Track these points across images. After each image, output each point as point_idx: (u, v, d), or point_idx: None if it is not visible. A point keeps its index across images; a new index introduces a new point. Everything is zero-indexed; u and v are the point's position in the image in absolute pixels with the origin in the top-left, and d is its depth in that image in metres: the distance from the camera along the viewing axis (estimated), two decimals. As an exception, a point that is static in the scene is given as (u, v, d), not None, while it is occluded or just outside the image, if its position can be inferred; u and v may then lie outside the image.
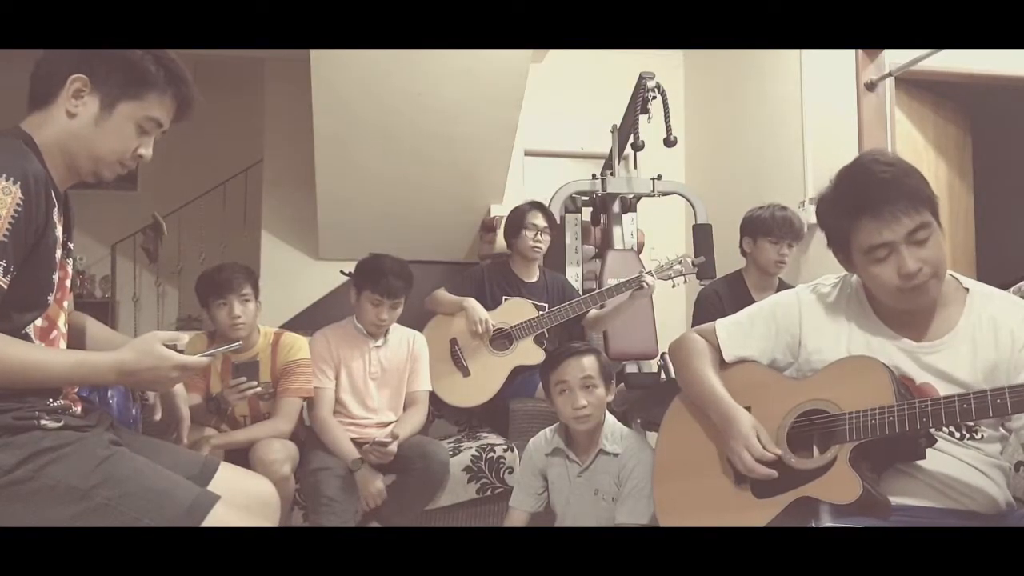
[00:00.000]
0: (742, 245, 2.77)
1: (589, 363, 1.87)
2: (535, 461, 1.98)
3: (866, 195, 1.23)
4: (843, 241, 1.29)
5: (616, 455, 1.85)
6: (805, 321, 1.41)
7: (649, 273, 2.68)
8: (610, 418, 1.92)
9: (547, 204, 3.15)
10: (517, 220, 2.91)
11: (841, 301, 1.39)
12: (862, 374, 1.26)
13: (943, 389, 1.25)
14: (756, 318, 1.48)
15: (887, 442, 1.21)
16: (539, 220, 2.89)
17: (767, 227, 2.65)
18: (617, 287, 2.71)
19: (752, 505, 1.32)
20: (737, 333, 1.49)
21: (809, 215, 3.43)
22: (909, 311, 1.29)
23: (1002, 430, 1.29)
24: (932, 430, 1.21)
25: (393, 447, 2.25)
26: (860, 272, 1.31)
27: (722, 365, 1.48)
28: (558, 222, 3.24)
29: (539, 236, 2.89)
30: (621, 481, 1.82)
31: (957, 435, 1.27)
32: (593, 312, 2.88)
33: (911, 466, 1.25)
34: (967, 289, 1.31)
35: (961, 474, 1.24)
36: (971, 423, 1.24)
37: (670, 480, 1.51)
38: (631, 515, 1.76)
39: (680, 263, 2.73)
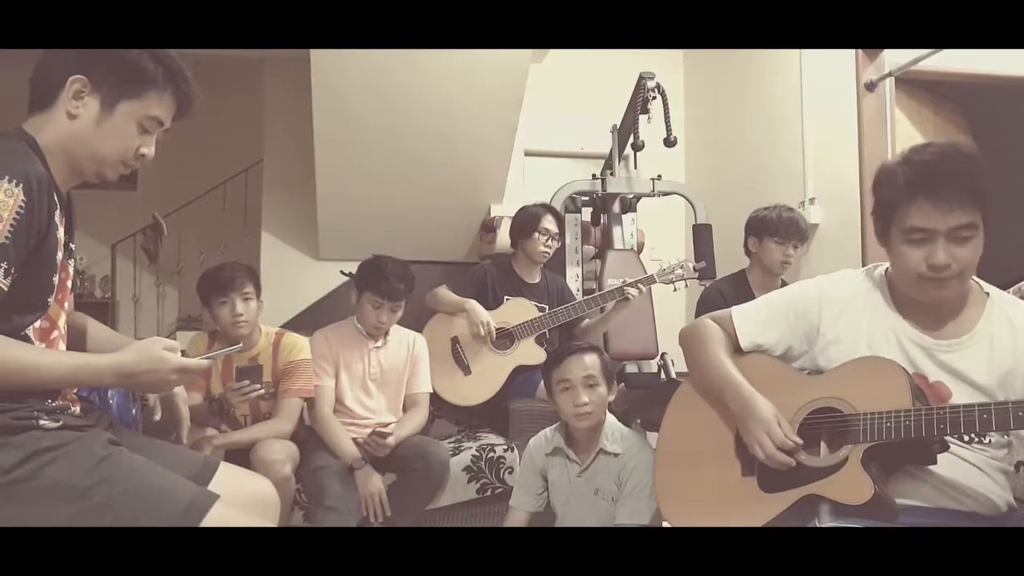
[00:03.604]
0: (747, 244, 2.77)
1: (591, 361, 1.87)
2: (535, 461, 1.98)
3: (931, 177, 1.21)
4: (888, 214, 1.27)
5: (616, 455, 1.85)
6: (825, 310, 1.39)
7: (635, 284, 2.69)
8: (610, 418, 1.92)
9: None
10: (530, 222, 2.89)
11: (863, 293, 1.37)
12: (878, 375, 1.25)
13: (956, 389, 1.25)
14: (775, 305, 1.46)
15: (899, 446, 1.20)
16: (552, 225, 2.89)
17: (774, 227, 2.65)
18: (611, 292, 2.72)
19: (758, 498, 1.30)
20: (755, 320, 1.46)
21: (810, 215, 3.43)
22: (929, 307, 1.28)
23: (1007, 436, 1.29)
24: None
25: (391, 439, 2.26)
26: (891, 250, 1.29)
27: (734, 354, 1.46)
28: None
29: (550, 241, 2.90)
30: (621, 481, 1.82)
31: (966, 439, 1.26)
32: (585, 322, 2.90)
33: (917, 468, 1.25)
34: (987, 293, 1.31)
35: (966, 477, 1.24)
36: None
37: (673, 467, 1.48)
38: (631, 515, 1.76)
39: (682, 267, 2.76)
